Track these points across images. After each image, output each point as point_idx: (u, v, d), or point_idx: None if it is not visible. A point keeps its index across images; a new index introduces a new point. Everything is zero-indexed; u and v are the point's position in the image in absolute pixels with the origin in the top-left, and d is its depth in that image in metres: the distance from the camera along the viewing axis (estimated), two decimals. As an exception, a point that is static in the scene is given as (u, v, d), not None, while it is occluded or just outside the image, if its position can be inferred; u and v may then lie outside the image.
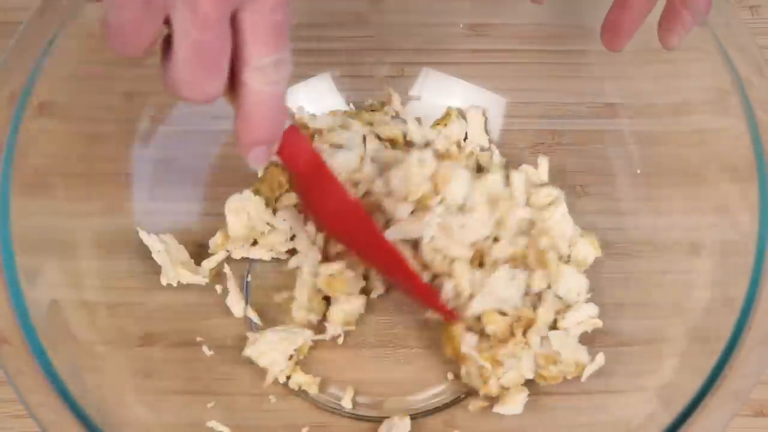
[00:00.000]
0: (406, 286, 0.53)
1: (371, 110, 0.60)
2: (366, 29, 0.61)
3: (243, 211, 0.56)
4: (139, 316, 0.53)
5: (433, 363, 0.55)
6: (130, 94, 0.56)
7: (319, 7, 0.59)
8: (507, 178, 0.55)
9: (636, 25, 0.48)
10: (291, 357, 0.54)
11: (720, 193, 0.51)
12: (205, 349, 0.54)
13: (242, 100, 0.38)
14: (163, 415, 0.50)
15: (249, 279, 0.57)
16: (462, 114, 0.60)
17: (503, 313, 0.52)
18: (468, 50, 0.59)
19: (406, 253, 0.53)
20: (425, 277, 0.53)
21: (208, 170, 0.59)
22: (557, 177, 0.58)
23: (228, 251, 0.57)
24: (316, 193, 0.49)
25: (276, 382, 0.54)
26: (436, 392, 0.55)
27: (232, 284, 0.56)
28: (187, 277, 0.55)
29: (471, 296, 0.52)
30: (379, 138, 0.58)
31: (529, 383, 0.53)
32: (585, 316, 0.53)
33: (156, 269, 0.54)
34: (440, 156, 0.56)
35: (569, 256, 0.55)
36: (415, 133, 0.59)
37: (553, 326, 0.53)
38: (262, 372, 0.54)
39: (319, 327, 0.56)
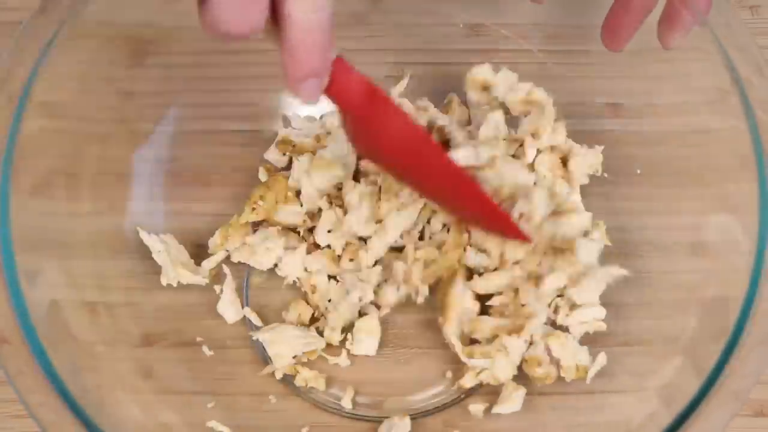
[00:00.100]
0: (474, 212, 0.50)
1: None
2: (366, 29, 0.61)
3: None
4: (139, 316, 0.53)
5: (433, 363, 0.55)
6: (130, 94, 0.56)
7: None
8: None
9: (636, 25, 0.48)
10: (295, 357, 0.54)
11: (720, 193, 0.51)
12: (205, 349, 0.54)
13: (287, 32, 0.37)
14: (163, 415, 0.50)
15: (248, 279, 0.57)
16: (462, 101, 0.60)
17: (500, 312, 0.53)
18: (468, 50, 0.59)
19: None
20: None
21: (208, 170, 0.59)
22: (557, 177, 0.58)
23: (227, 251, 0.57)
24: (374, 125, 0.45)
25: (277, 382, 0.54)
26: (436, 392, 0.55)
27: (228, 286, 0.56)
28: (187, 277, 0.55)
29: (541, 221, 0.50)
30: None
31: (529, 383, 0.53)
32: (590, 318, 0.53)
33: (156, 269, 0.54)
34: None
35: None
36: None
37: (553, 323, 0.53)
38: (261, 371, 0.54)
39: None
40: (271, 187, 0.56)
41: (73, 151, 0.52)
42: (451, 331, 0.53)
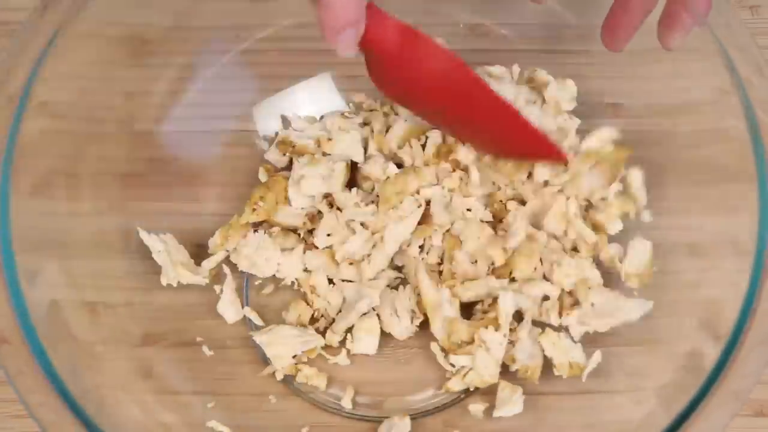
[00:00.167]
0: (512, 139, 0.51)
1: (370, 110, 0.60)
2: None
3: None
4: (139, 316, 0.53)
5: (433, 363, 0.55)
6: (130, 94, 0.56)
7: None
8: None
9: (636, 25, 0.48)
10: (295, 356, 0.54)
11: (720, 193, 0.51)
12: (205, 349, 0.54)
13: None
14: (163, 415, 0.50)
15: (248, 279, 0.57)
16: None
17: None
18: (468, 50, 0.59)
19: None
20: None
21: (208, 170, 0.59)
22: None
23: (227, 251, 0.57)
24: (413, 67, 0.46)
25: (277, 382, 0.54)
26: (435, 392, 0.55)
27: (228, 286, 0.56)
28: (187, 277, 0.55)
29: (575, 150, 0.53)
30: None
31: (526, 384, 0.53)
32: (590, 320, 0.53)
33: (156, 269, 0.54)
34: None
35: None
36: None
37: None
38: (262, 372, 0.54)
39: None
40: (271, 188, 0.56)
41: (73, 151, 0.52)
42: (436, 333, 0.53)
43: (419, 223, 0.55)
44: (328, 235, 0.55)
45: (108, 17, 0.53)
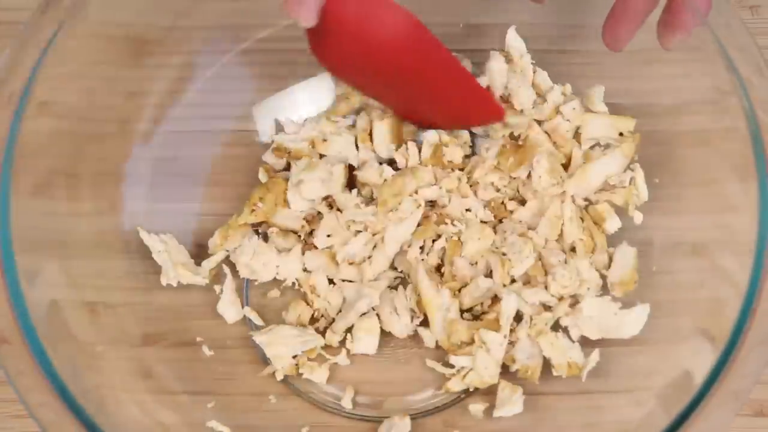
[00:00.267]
0: (459, 100, 0.52)
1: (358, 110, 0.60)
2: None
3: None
4: (139, 316, 0.53)
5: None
6: (130, 94, 0.56)
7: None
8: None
9: (637, 25, 0.48)
10: (295, 356, 0.54)
11: (720, 193, 0.51)
12: (205, 349, 0.54)
13: None
14: (163, 415, 0.50)
15: (248, 279, 0.57)
16: None
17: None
18: (468, 50, 0.59)
19: None
20: None
21: (208, 170, 0.59)
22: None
23: (227, 251, 0.57)
24: (369, 32, 0.46)
25: (277, 382, 0.54)
26: (435, 392, 0.55)
27: (228, 286, 0.56)
28: (187, 277, 0.55)
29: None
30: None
31: (525, 384, 0.53)
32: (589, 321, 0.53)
33: (156, 269, 0.54)
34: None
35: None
36: None
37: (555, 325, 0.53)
38: (262, 371, 0.54)
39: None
40: (270, 189, 0.56)
41: (73, 151, 0.52)
42: (436, 333, 0.54)
43: (419, 224, 0.55)
44: (329, 235, 0.55)
45: (108, 17, 0.53)
